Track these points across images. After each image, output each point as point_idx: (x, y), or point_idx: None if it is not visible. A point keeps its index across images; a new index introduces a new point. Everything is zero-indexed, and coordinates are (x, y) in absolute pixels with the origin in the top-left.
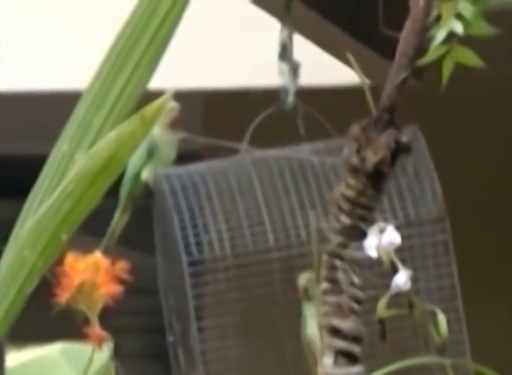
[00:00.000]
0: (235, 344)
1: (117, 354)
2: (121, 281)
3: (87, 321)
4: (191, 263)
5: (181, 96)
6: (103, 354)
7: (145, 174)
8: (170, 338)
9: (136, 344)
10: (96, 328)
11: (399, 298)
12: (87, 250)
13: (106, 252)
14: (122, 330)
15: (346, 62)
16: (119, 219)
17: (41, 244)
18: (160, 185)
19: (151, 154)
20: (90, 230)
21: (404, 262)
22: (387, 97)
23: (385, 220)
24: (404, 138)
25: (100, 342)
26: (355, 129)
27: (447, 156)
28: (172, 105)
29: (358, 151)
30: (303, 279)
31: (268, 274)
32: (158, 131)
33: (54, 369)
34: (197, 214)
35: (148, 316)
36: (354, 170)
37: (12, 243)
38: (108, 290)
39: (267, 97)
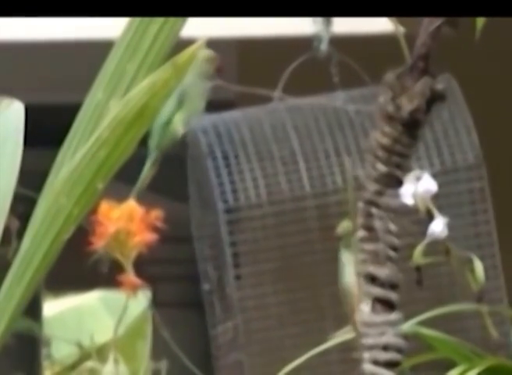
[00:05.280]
0: (272, 292)
1: (153, 302)
2: (155, 229)
3: (121, 269)
4: (227, 210)
5: (215, 44)
6: (140, 302)
7: (176, 123)
8: (205, 286)
9: (172, 292)
10: (130, 276)
11: (434, 246)
12: (119, 197)
13: (138, 201)
14: (158, 279)
15: None
16: (149, 169)
17: (77, 192)
18: (194, 133)
19: (181, 102)
20: (121, 179)
21: (441, 210)
22: (422, 45)
23: (422, 168)
24: (439, 86)
25: (134, 290)
26: (390, 77)
27: (483, 104)
28: (210, 53)
29: (393, 99)
30: (341, 227)
31: (304, 221)
32: (188, 79)
33: (91, 318)
34: (232, 161)
35: (184, 265)
36: (390, 118)
37: (47, 191)
38: (142, 238)
39: (300, 45)
